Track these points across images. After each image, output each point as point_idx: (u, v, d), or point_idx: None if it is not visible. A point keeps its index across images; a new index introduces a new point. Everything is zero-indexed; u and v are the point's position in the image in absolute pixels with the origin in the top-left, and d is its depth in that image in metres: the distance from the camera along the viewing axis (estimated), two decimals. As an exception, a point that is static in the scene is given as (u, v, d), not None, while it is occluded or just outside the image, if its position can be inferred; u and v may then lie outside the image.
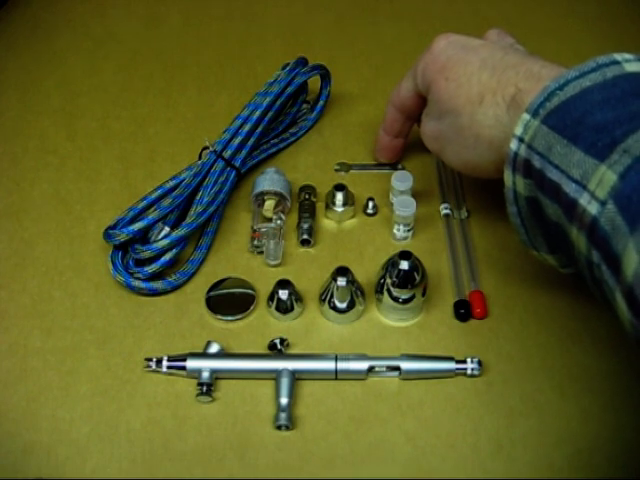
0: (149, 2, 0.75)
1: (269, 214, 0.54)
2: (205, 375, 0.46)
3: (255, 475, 0.44)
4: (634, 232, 0.34)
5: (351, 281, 0.49)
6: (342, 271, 0.49)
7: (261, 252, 0.53)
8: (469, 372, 0.47)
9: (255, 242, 0.53)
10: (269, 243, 0.53)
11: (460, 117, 0.47)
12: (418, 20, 0.74)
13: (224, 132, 0.55)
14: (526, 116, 0.41)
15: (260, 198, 0.55)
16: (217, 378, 0.47)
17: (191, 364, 0.47)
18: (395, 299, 0.49)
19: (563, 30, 0.72)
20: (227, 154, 0.54)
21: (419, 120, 0.55)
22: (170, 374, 0.47)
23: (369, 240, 0.55)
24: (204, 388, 0.46)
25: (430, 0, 0.76)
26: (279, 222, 0.54)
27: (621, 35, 0.71)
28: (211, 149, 0.54)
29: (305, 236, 0.54)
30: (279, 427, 0.45)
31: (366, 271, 0.52)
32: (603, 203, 0.36)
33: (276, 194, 0.54)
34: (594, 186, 0.36)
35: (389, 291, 0.48)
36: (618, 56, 0.40)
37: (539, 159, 0.40)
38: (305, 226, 0.54)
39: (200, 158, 0.55)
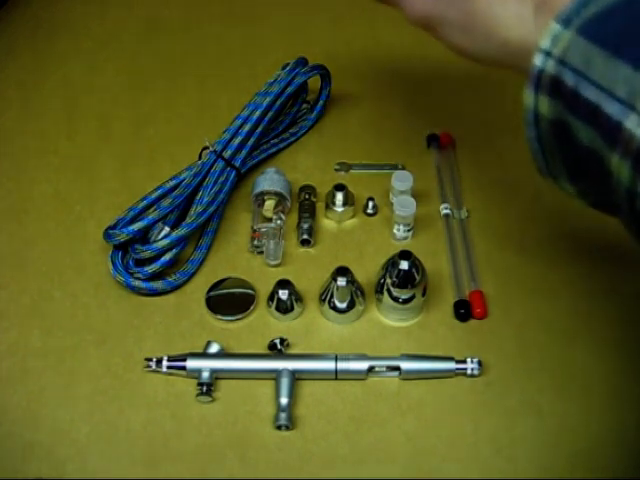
0: (149, 3, 0.75)
1: (269, 214, 0.54)
2: (205, 375, 0.46)
3: (255, 475, 0.44)
4: None
5: (351, 281, 0.49)
6: (342, 271, 0.49)
7: (261, 252, 0.53)
8: (469, 372, 0.47)
9: (255, 242, 0.53)
10: (269, 243, 0.53)
11: (472, 1, 0.41)
12: (418, 20, 0.74)
13: (224, 132, 0.55)
14: (556, 26, 0.36)
15: (260, 198, 0.55)
16: (217, 378, 0.47)
17: (191, 364, 0.47)
18: (395, 299, 0.49)
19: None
20: (227, 154, 0.54)
21: None
22: (170, 374, 0.47)
23: (369, 240, 0.55)
24: (204, 388, 0.46)
25: (430, 0, 0.76)
26: (279, 222, 0.54)
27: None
28: (211, 149, 0.54)
29: (305, 236, 0.54)
30: (279, 427, 0.45)
31: (366, 271, 0.52)
32: None
33: (276, 194, 0.54)
34: None
35: (389, 291, 0.48)
36: None
37: (573, 75, 0.35)
38: (305, 226, 0.54)
39: (200, 158, 0.55)
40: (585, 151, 0.36)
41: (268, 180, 0.55)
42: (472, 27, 0.41)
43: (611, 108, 0.33)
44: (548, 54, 0.36)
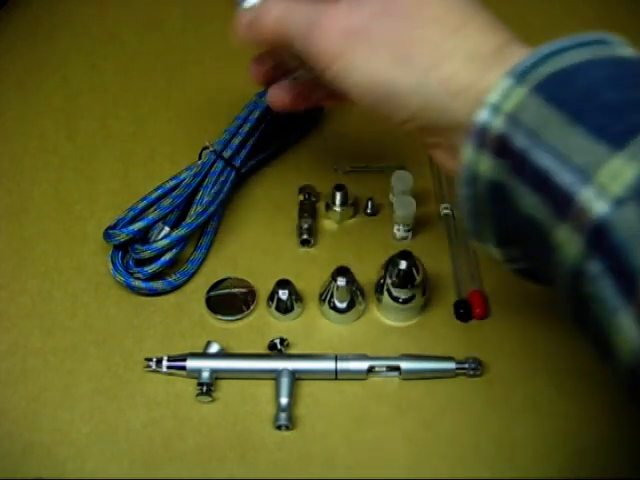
0: (149, 2, 0.74)
1: None
2: (205, 375, 0.46)
3: (255, 475, 0.44)
4: None
5: (351, 281, 0.49)
6: (342, 271, 0.49)
7: None
8: (469, 372, 0.47)
9: None
10: None
11: (420, 29, 0.36)
12: (418, 20, 0.74)
13: (224, 132, 0.55)
14: (507, 81, 0.33)
15: None
16: (217, 378, 0.47)
17: (191, 364, 0.47)
18: (395, 299, 0.49)
19: (563, 30, 0.72)
20: (227, 154, 0.54)
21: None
22: (170, 374, 0.47)
23: (369, 240, 0.55)
24: (204, 388, 0.46)
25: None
26: None
27: (621, 35, 0.71)
28: (211, 149, 0.54)
29: (305, 236, 0.54)
30: (279, 427, 0.45)
31: (366, 271, 0.52)
32: (619, 202, 0.29)
33: None
34: (605, 179, 0.29)
35: (389, 291, 0.48)
36: (608, 37, 0.34)
37: (525, 137, 0.32)
38: (305, 226, 0.54)
39: (200, 158, 0.55)
40: (524, 219, 0.33)
41: None
42: (412, 56, 0.36)
43: (565, 177, 0.30)
44: (496, 109, 0.33)
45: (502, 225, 0.36)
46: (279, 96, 0.46)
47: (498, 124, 0.33)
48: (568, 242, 0.31)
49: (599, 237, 0.29)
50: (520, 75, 0.33)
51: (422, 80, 0.35)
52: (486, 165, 0.34)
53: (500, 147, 0.33)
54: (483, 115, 0.33)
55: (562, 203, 0.31)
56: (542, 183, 0.32)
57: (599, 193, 0.29)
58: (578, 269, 0.31)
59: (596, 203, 0.29)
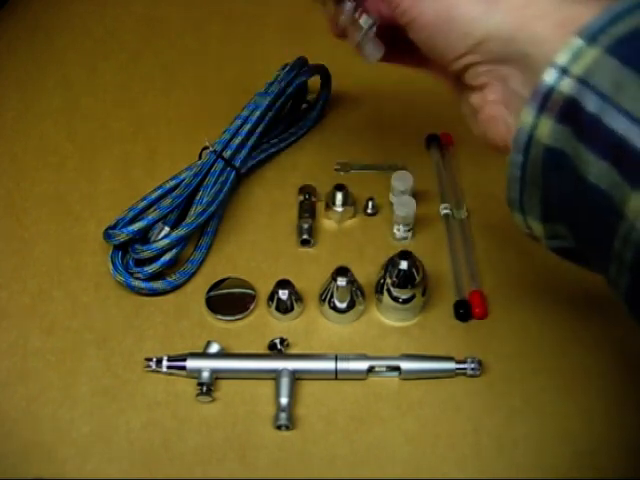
0: (149, 2, 0.75)
1: None
2: (205, 375, 0.46)
3: (255, 475, 0.44)
4: None
5: (351, 281, 0.49)
6: (342, 271, 0.49)
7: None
8: (469, 372, 0.47)
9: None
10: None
11: None
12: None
13: (224, 132, 0.55)
14: (578, 41, 0.31)
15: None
16: (217, 378, 0.47)
17: (191, 364, 0.47)
18: (395, 299, 0.49)
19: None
20: (227, 154, 0.54)
21: None
22: (170, 374, 0.47)
23: (369, 240, 0.55)
24: (204, 388, 0.46)
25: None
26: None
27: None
28: (211, 149, 0.54)
29: (305, 236, 0.54)
30: (279, 427, 0.45)
31: (366, 271, 0.52)
32: None
33: None
34: None
35: (389, 291, 0.48)
36: None
37: (597, 100, 0.30)
38: (305, 226, 0.54)
39: (200, 158, 0.55)
40: (587, 189, 0.32)
41: None
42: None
43: None
44: (564, 71, 0.32)
45: (553, 197, 0.35)
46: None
47: (567, 87, 0.32)
48: None
49: None
50: (592, 35, 0.31)
51: (490, 7, 0.35)
52: (547, 130, 0.33)
53: (567, 111, 0.32)
54: (549, 76, 0.32)
55: (638, 170, 0.29)
56: (615, 149, 0.30)
57: None
58: None
59: None
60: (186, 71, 0.68)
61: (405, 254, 0.48)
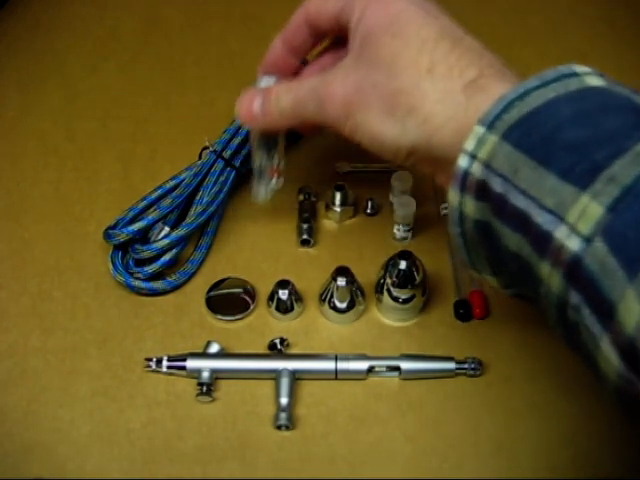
0: (149, 2, 0.75)
1: None
2: (205, 375, 0.46)
3: (255, 475, 0.44)
4: (633, 279, 0.29)
5: (351, 281, 0.49)
6: (342, 271, 0.49)
7: None
8: (469, 372, 0.47)
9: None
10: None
11: (397, 79, 0.39)
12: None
13: (224, 132, 0.55)
14: (479, 129, 0.35)
15: None
16: (217, 378, 0.47)
17: (191, 364, 0.47)
18: (395, 299, 0.49)
19: (563, 30, 0.72)
20: (227, 154, 0.54)
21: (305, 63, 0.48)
22: (170, 374, 0.47)
23: (369, 240, 0.55)
24: (204, 388, 0.46)
25: (430, 0, 0.76)
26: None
27: (621, 35, 0.71)
28: (211, 149, 0.54)
29: (305, 236, 0.54)
30: (279, 427, 0.45)
31: (366, 271, 0.52)
32: (588, 240, 0.31)
33: None
34: (574, 218, 0.31)
35: (389, 291, 0.48)
36: (577, 68, 0.35)
37: (501, 182, 0.34)
38: (305, 226, 0.54)
39: (200, 158, 0.55)
40: (511, 255, 0.36)
41: None
42: (395, 106, 0.39)
43: (541, 218, 0.33)
44: (473, 157, 0.35)
45: (493, 257, 0.38)
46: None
47: (476, 170, 0.35)
48: (550, 276, 0.33)
49: (575, 272, 0.32)
50: (490, 122, 0.35)
51: (403, 128, 0.39)
52: (470, 207, 0.37)
53: (480, 191, 0.36)
54: (463, 162, 0.36)
55: (541, 241, 0.33)
56: (522, 224, 0.34)
57: (570, 232, 0.31)
58: (562, 300, 0.33)
59: (569, 241, 0.31)
60: (186, 71, 0.68)
61: (405, 254, 0.48)
